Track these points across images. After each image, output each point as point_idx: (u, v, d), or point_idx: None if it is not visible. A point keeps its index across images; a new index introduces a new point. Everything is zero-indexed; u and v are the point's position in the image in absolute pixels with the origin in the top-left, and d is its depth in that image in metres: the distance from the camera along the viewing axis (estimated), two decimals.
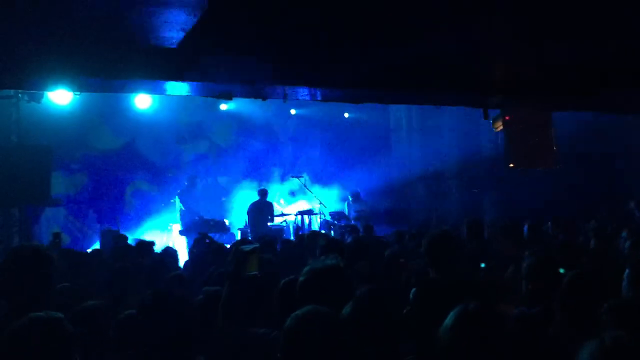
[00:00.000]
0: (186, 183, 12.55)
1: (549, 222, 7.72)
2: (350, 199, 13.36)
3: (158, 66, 5.74)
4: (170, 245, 9.39)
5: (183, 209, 11.99)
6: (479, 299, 3.44)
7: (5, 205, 10.10)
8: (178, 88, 6.49)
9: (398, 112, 15.42)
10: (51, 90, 8.08)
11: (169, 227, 12.42)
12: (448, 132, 14.80)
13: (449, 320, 2.14)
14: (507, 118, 7.59)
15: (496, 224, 6.02)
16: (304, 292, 2.67)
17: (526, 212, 8.74)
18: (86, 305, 3.55)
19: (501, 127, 7.75)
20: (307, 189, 13.31)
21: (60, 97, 9.59)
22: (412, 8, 4.19)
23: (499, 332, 2.13)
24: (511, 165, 7.61)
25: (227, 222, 12.27)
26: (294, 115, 15.04)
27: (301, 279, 2.73)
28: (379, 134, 15.73)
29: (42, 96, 11.43)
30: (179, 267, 6.32)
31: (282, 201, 13.70)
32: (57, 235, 7.23)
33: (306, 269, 2.77)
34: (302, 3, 4.13)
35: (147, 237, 9.42)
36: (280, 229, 11.94)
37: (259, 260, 3.27)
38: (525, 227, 6.02)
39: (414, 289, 3.56)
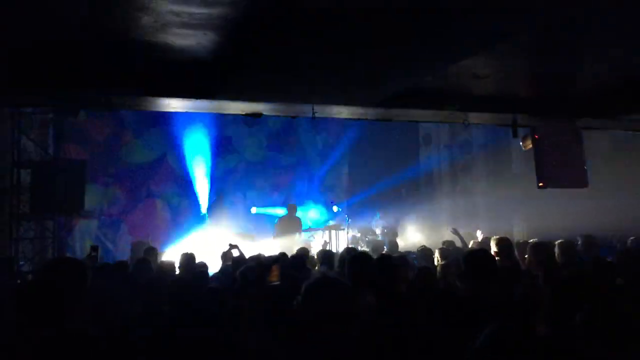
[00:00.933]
0: (215, 197, 12.70)
1: (579, 241, 7.59)
2: (379, 214, 13.35)
3: (189, 85, 5.87)
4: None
5: (212, 222, 12.12)
6: (514, 317, 3.43)
7: (41, 217, 10.36)
8: (208, 106, 6.61)
9: (427, 128, 15.39)
10: (86, 108, 8.30)
11: None
12: (477, 148, 14.70)
13: (482, 339, 2.16)
14: (536, 137, 7.50)
15: (526, 242, 5.94)
16: (303, 308, 2.68)
17: (557, 230, 8.62)
18: (119, 316, 3.65)
19: (530, 146, 7.66)
20: (335, 204, 13.36)
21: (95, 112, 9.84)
22: (440, 31, 4.23)
23: (531, 351, 2.13)
24: (541, 184, 7.50)
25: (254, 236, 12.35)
26: (322, 131, 15.15)
27: (299, 297, 2.75)
28: (408, 150, 15.70)
29: (77, 112, 11.74)
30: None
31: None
32: (94, 249, 7.28)
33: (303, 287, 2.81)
34: (331, 25, 4.20)
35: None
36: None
37: (280, 270, 3.37)
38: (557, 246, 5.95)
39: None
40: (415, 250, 8.51)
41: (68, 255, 10.41)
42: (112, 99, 6.13)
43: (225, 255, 8.11)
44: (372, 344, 2.65)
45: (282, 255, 3.59)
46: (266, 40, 4.69)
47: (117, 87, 5.86)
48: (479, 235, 8.52)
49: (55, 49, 5.17)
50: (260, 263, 3.30)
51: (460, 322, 3.40)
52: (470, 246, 7.90)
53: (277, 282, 3.49)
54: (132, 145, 13.29)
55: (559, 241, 6.03)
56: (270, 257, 3.36)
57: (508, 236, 7.72)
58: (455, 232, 8.66)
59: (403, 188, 15.35)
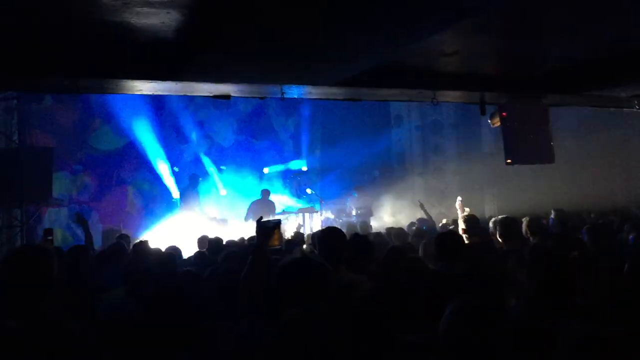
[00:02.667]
0: (188, 182, 12.59)
1: (551, 216, 7.74)
2: (355, 194, 13.38)
3: (155, 66, 5.76)
4: None
5: (185, 208, 12.03)
6: (482, 292, 3.47)
7: (8, 206, 10.17)
8: (175, 88, 6.50)
9: (398, 109, 15.44)
10: (49, 92, 8.12)
11: None
12: (448, 128, 14.83)
13: (447, 313, 2.17)
14: (504, 114, 7.57)
15: (496, 219, 6.02)
16: (278, 287, 2.70)
17: (527, 207, 8.77)
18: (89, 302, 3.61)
19: (498, 123, 7.75)
20: (309, 187, 13.35)
21: (60, 98, 9.64)
22: (407, 9, 4.21)
23: (495, 325, 2.15)
24: (509, 161, 7.60)
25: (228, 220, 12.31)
26: (294, 113, 15.11)
27: (273, 275, 2.76)
28: (380, 131, 15.75)
29: (42, 98, 11.50)
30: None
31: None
32: (48, 232, 6.95)
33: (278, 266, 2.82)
34: (298, 3, 4.15)
35: None
36: None
37: (280, 234, 3.41)
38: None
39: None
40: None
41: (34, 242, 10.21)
42: (76, 82, 5.98)
43: (202, 241, 8.06)
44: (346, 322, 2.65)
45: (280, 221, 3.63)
46: (231, 19, 4.61)
47: (80, 70, 5.72)
48: (458, 204, 8.55)
49: (14, 32, 5.02)
50: (261, 229, 3.29)
51: (431, 299, 3.43)
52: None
53: (279, 246, 3.56)
54: (101, 131, 13.08)
55: (526, 217, 6.13)
56: (270, 221, 3.36)
57: (479, 213, 7.84)
58: (422, 206, 8.81)
59: (376, 169, 15.42)
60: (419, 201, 9.27)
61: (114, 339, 3.28)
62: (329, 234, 3.91)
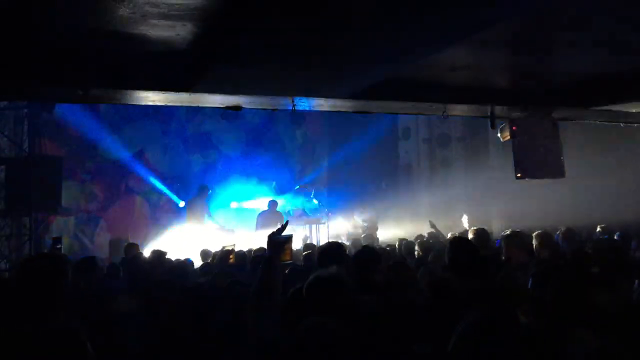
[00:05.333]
0: (196, 192, 12.62)
1: (558, 232, 7.70)
2: (360, 209, 13.40)
3: (168, 78, 5.81)
4: None
5: (192, 218, 12.05)
6: (496, 305, 3.47)
7: (17, 215, 10.20)
8: (187, 99, 6.55)
9: (406, 122, 15.45)
10: (60, 102, 8.18)
11: None
12: (455, 141, 14.83)
13: (462, 325, 2.17)
14: (514, 128, 7.59)
15: (504, 233, 6.01)
16: (308, 296, 2.74)
17: (535, 221, 8.73)
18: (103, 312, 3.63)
19: (508, 138, 7.76)
20: (315, 199, 13.37)
21: (70, 108, 9.71)
22: (419, 23, 4.25)
23: (512, 338, 2.15)
24: (519, 175, 7.59)
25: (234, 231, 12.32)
26: (302, 125, 15.16)
27: (307, 283, 2.80)
28: (387, 143, 15.77)
29: (52, 107, 11.59)
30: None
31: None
32: (57, 241, 6.96)
33: (312, 276, 2.85)
34: (310, 16, 4.20)
35: None
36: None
37: (292, 248, 3.40)
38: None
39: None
40: (395, 243, 8.56)
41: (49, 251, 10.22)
42: (89, 92, 6.03)
43: (205, 253, 8.07)
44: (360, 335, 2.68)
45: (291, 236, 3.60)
46: (245, 32, 4.66)
47: (93, 80, 5.78)
48: (465, 222, 8.53)
49: (29, 42, 5.08)
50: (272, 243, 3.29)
51: (441, 312, 3.42)
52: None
53: (290, 261, 3.55)
54: (110, 141, 13.17)
55: (537, 232, 6.11)
56: (282, 236, 3.36)
57: (486, 227, 7.82)
58: (433, 225, 8.75)
59: (383, 181, 15.42)
60: (429, 221, 9.22)
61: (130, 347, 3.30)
62: (329, 249, 3.90)
